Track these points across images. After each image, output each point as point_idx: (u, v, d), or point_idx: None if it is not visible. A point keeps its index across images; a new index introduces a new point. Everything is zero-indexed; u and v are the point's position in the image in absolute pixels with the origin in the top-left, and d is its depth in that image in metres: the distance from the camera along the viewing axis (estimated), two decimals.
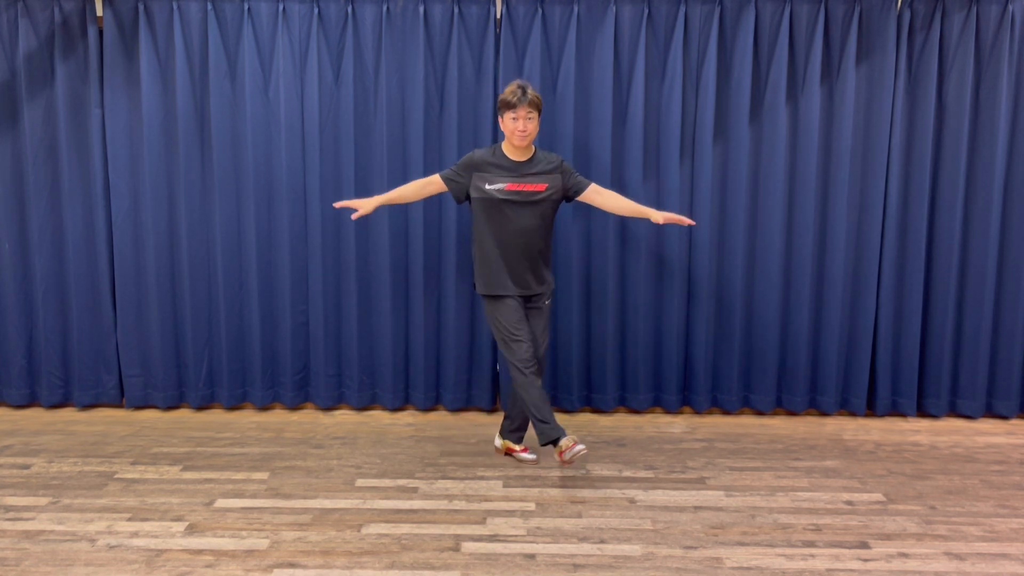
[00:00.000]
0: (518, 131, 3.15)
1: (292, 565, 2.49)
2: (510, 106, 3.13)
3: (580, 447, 3.06)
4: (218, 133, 3.84)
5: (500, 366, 4.02)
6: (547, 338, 3.37)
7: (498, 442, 3.50)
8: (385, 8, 3.77)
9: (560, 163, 3.30)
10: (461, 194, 3.29)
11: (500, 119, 3.21)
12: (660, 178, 3.90)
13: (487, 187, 3.19)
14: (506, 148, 3.25)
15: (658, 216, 3.32)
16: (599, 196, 3.35)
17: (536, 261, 3.26)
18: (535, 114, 3.16)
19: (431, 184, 3.34)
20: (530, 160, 3.25)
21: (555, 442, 3.11)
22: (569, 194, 3.32)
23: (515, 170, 3.21)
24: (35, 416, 3.99)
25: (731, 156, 3.88)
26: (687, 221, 3.37)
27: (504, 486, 3.12)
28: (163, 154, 3.89)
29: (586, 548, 2.61)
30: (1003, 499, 3.03)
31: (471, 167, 3.25)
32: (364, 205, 3.37)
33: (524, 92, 3.12)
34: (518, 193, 3.18)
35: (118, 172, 3.89)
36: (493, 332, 3.31)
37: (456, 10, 3.77)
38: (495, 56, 3.82)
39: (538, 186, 3.21)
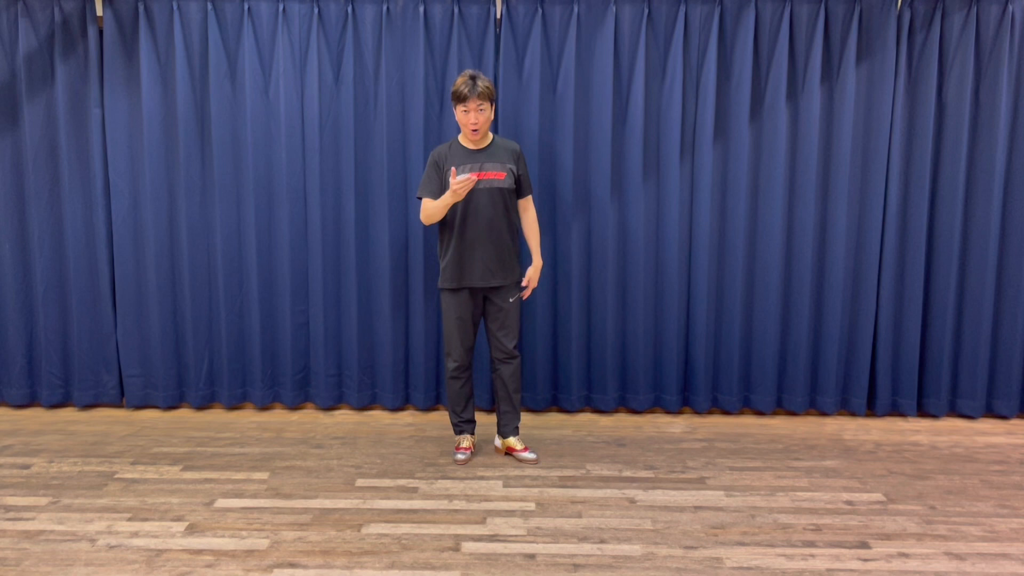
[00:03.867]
0: (470, 124, 3.18)
1: (292, 565, 2.48)
2: (461, 98, 3.15)
3: (460, 456, 3.38)
4: (218, 133, 3.84)
5: None
6: (516, 337, 3.38)
7: (498, 442, 3.50)
8: (385, 8, 3.77)
9: (519, 154, 3.32)
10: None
11: (454, 111, 3.24)
12: (660, 178, 3.90)
13: (451, 180, 3.21)
14: (462, 140, 3.29)
15: (527, 272, 3.39)
16: (523, 213, 3.40)
17: (500, 250, 3.26)
18: (487, 105, 3.18)
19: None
20: (487, 148, 3.27)
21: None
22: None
23: (474, 159, 3.24)
24: (35, 416, 3.99)
25: (731, 156, 3.88)
26: (527, 293, 3.40)
27: (504, 486, 3.12)
28: (163, 154, 3.89)
29: (586, 548, 2.61)
30: (1003, 499, 3.03)
31: (436, 165, 3.28)
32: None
33: (474, 83, 3.13)
34: (479, 181, 3.20)
35: (118, 172, 3.89)
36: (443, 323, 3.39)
37: (456, 10, 3.77)
38: (495, 56, 3.82)
39: (498, 174, 3.24)
